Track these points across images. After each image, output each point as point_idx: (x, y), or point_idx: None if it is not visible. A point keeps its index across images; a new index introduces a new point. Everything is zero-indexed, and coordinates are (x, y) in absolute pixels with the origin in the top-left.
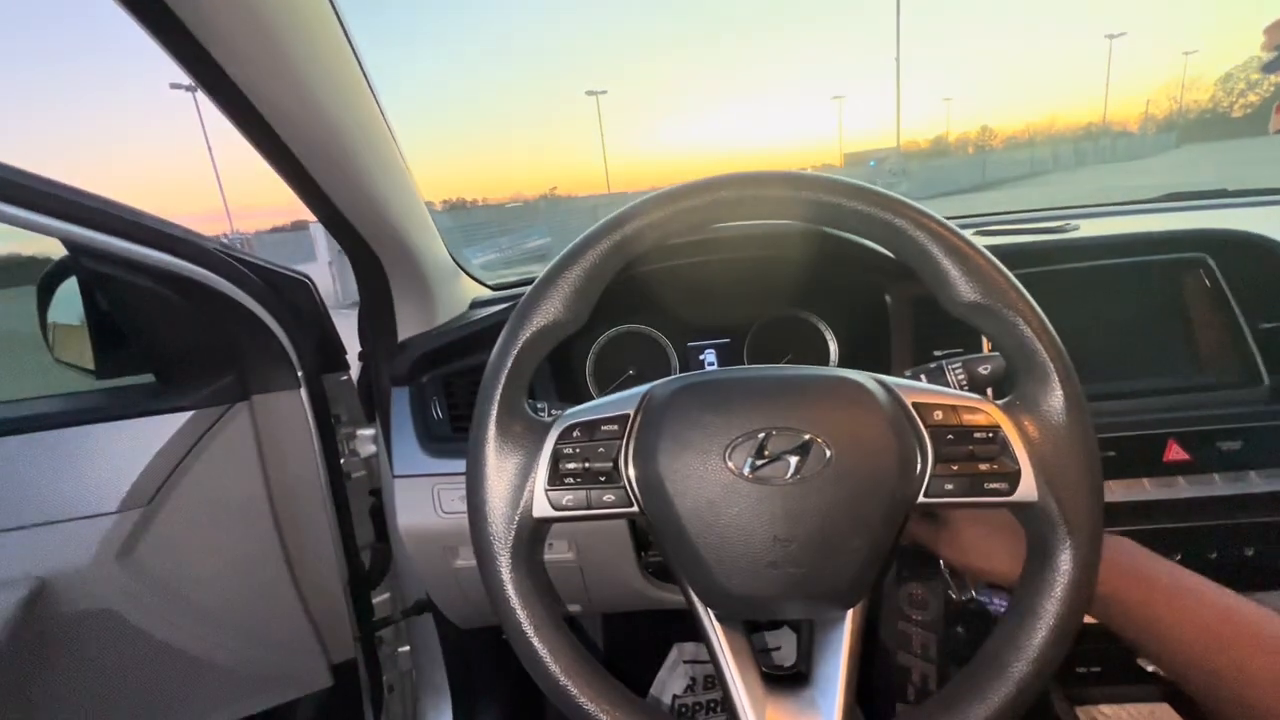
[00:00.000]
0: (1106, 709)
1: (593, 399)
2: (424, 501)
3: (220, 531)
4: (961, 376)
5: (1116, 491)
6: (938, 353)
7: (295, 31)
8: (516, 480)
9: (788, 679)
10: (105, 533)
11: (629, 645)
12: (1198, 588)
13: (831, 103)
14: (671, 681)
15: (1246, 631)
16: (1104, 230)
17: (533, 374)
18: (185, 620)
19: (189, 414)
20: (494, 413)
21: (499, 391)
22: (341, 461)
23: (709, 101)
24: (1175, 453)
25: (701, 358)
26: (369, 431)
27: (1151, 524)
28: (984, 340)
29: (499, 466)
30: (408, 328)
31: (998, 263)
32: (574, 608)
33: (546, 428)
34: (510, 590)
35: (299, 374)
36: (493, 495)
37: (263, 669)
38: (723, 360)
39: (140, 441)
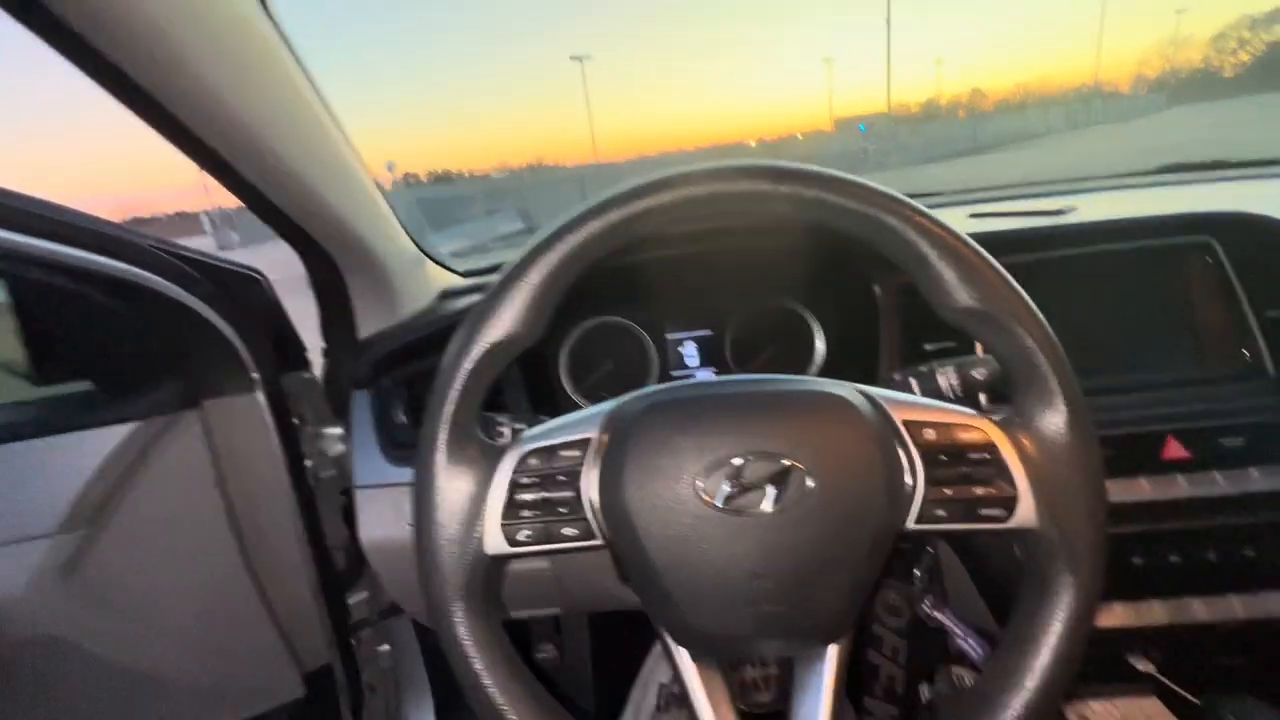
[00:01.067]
0: (1096, 705)
1: (568, 398)
2: (388, 513)
3: (175, 546)
4: (955, 381)
5: (1112, 491)
6: (929, 347)
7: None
8: (468, 514)
9: (766, 718)
10: (44, 555)
11: (615, 638)
12: None
13: (821, 64)
14: (659, 670)
15: None
16: (1103, 210)
17: (485, 392)
18: (142, 640)
19: (132, 425)
20: (442, 439)
21: (446, 416)
22: (309, 463)
23: (697, 65)
24: (1174, 450)
25: (681, 351)
26: (336, 430)
27: (1148, 525)
28: None
29: (448, 499)
30: (369, 324)
31: (997, 265)
32: (552, 610)
33: (500, 454)
34: (463, 637)
35: (254, 376)
36: (441, 531)
37: (228, 684)
38: (704, 354)
39: (80, 457)
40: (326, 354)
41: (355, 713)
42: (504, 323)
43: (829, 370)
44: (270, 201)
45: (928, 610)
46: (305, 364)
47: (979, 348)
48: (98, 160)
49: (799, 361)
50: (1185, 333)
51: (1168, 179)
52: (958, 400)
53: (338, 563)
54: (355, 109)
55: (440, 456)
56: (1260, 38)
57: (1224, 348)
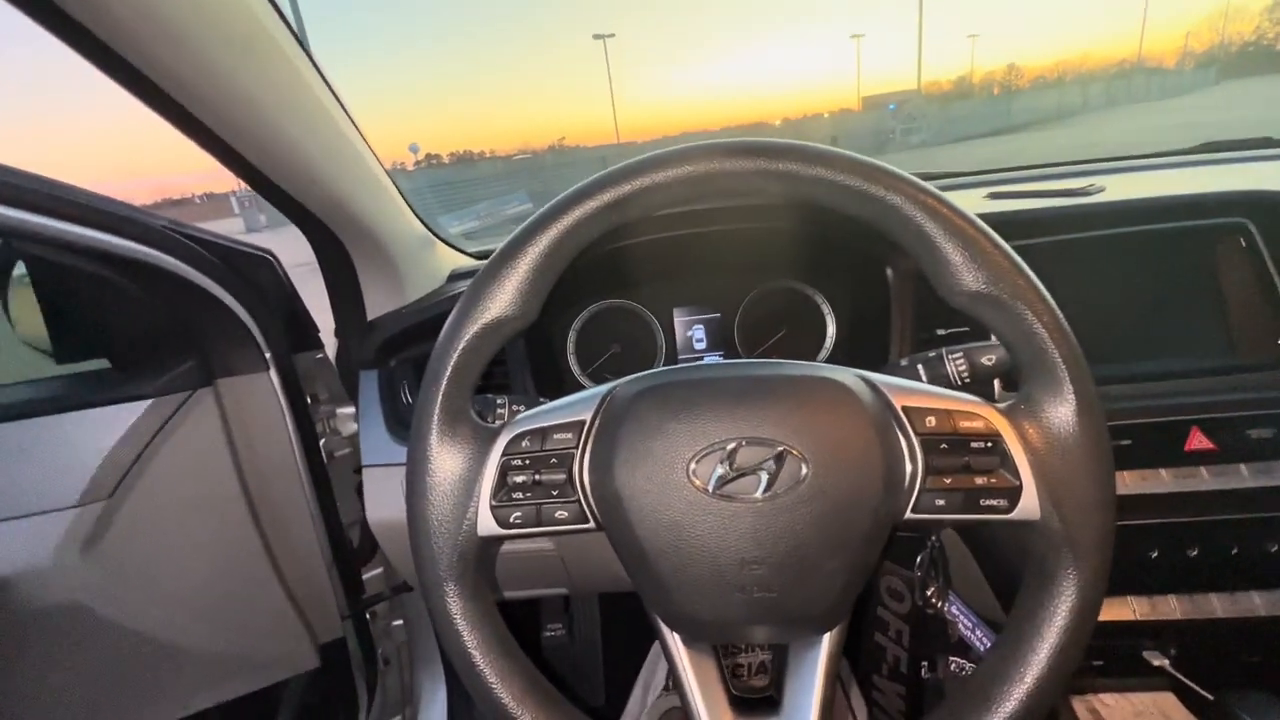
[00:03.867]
0: (1109, 699)
1: (575, 381)
2: (395, 492)
3: (192, 519)
4: (963, 367)
5: (1130, 483)
6: (941, 331)
7: None
8: (460, 495)
9: (758, 704)
10: (66, 527)
11: (624, 618)
12: None
13: (850, 42)
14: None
15: None
16: (1133, 190)
17: (479, 373)
18: (160, 609)
19: (148, 402)
20: (434, 420)
21: (439, 396)
22: (322, 441)
23: (722, 42)
24: (1198, 441)
25: (689, 334)
26: (349, 410)
27: (1166, 518)
28: None
29: (440, 479)
30: (377, 305)
31: (1005, 246)
32: (560, 590)
33: (493, 435)
34: (455, 615)
35: (266, 355)
36: (433, 512)
37: (245, 653)
38: (713, 337)
39: (97, 433)
40: (337, 335)
41: (369, 684)
42: (496, 304)
43: (840, 355)
44: (275, 184)
45: (928, 600)
46: (318, 344)
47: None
48: (130, 143)
49: (810, 346)
50: (1214, 319)
51: (1206, 157)
52: (965, 387)
53: (352, 539)
54: (379, 91)
55: (433, 437)
56: None
57: (1255, 336)
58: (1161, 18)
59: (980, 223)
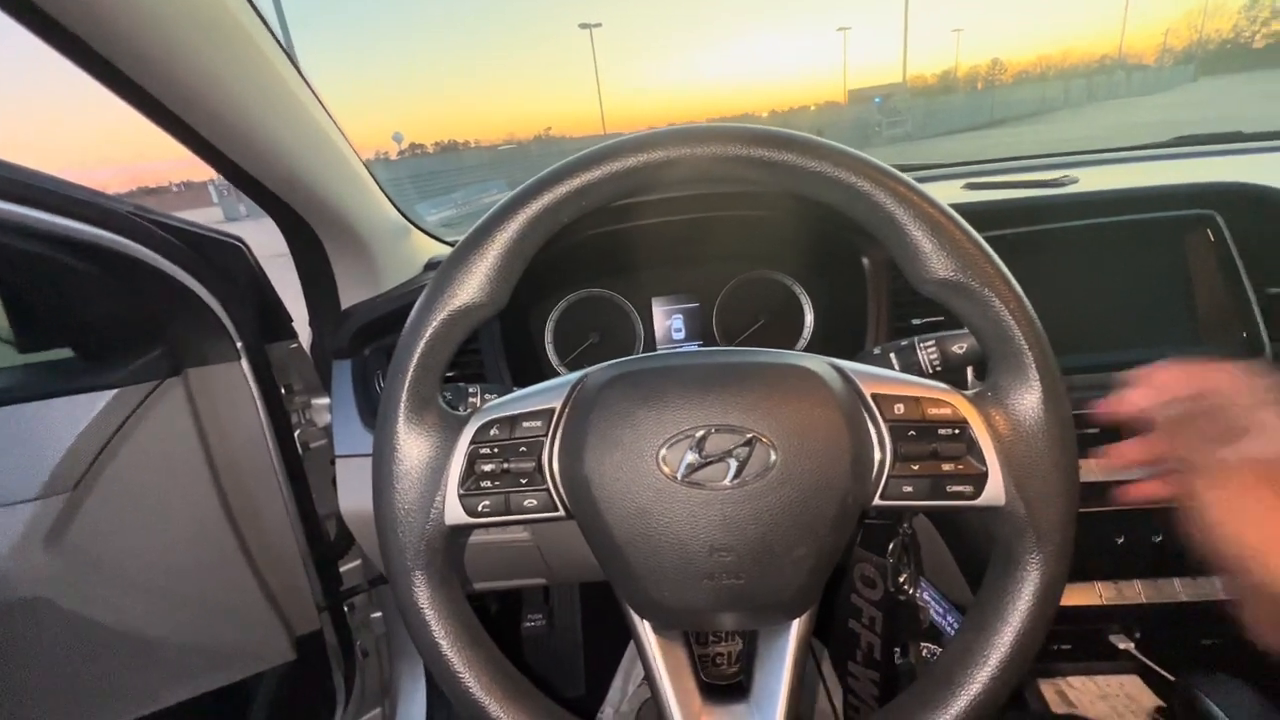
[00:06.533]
0: (1075, 681)
1: (554, 371)
2: (369, 483)
3: (160, 511)
4: (934, 356)
5: (1095, 471)
6: (917, 321)
7: None
8: (427, 484)
9: (728, 690)
10: (28, 520)
11: (605, 607)
12: None
13: (836, 34)
14: None
15: None
16: (1106, 181)
17: (448, 360)
18: (127, 603)
19: (113, 392)
20: (401, 408)
21: (405, 383)
22: (297, 432)
23: (709, 34)
24: None
25: (669, 324)
26: (325, 400)
27: (1132, 505)
28: None
29: (407, 468)
30: (351, 294)
31: (973, 233)
32: (538, 580)
33: (461, 423)
34: (423, 605)
35: (238, 345)
36: (400, 501)
37: (217, 647)
38: (691, 327)
39: (62, 423)
40: (312, 324)
41: (346, 677)
42: (464, 290)
43: (818, 345)
44: (243, 170)
45: (899, 587)
46: (291, 333)
47: None
48: (103, 128)
49: (788, 335)
50: (1183, 310)
51: (1179, 151)
52: (936, 375)
53: (329, 530)
54: (363, 80)
55: (399, 425)
56: None
57: (1221, 326)
58: (1142, 14)
59: (949, 209)
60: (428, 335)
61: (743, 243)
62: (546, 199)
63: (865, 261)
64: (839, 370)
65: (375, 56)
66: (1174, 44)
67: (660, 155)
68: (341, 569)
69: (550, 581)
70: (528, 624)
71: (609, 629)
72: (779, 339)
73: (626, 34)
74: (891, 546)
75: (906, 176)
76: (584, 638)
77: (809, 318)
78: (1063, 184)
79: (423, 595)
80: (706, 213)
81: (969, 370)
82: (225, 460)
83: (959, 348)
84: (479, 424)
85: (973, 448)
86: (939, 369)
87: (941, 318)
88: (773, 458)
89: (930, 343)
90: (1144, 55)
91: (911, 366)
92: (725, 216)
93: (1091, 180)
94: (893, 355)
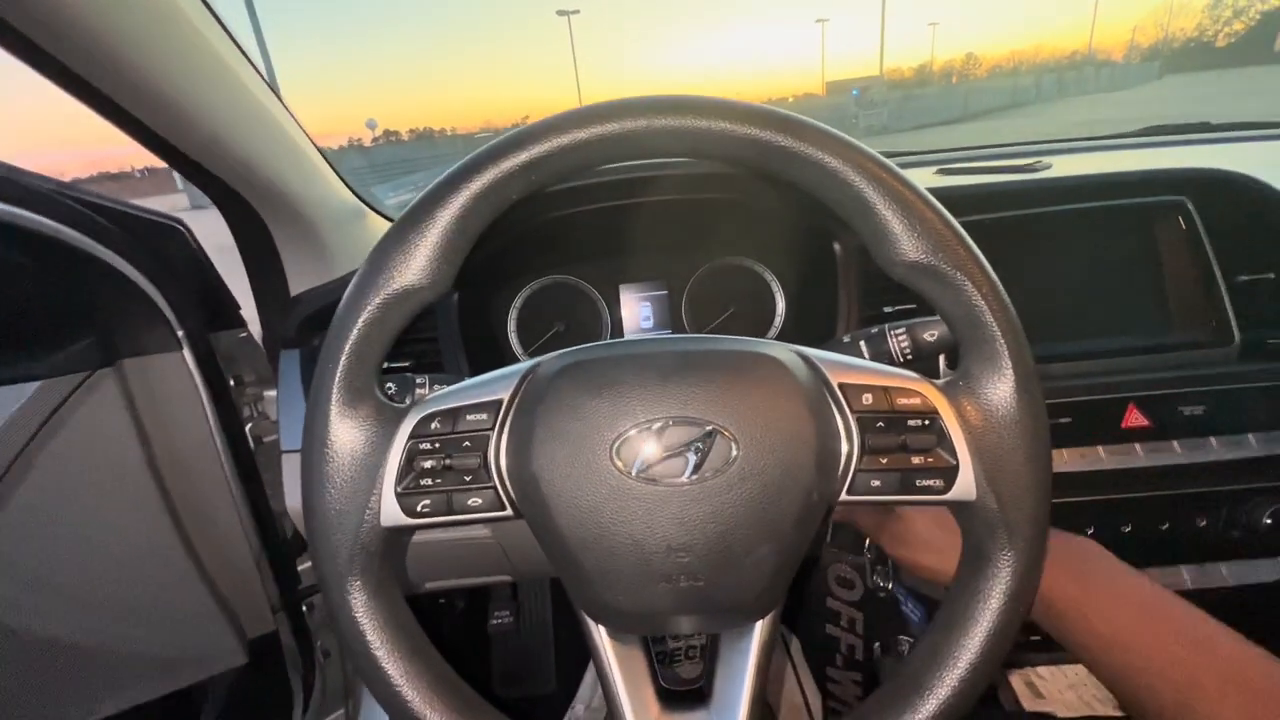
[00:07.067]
0: (1044, 670)
1: (517, 358)
2: None
3: (95, 512)
4: (905, 343)
5: (1069, 461)
6: (888, 309)
7: None
8: (361, 482)
9: (687, 696)
10: None
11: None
12: (1171, 610)
13: (815, 26)
14: None
15: (1226, 669)
16: (1078, 169)
17: (385, 348)
18: (59, 610)
19: (36, 384)
20: (332, 400)
21: (337, 373)
22: (249, 426)
23: (687, 23)
24: (1135, 418)
25: (636, 312)
26: (274, 393)
27: (1102, 494)
28: None
29: (338, 466)
30: (301, 280)
31: (946, 214)
32: (503, 578)
33: (399, 416)
34: (357, 614)
35: (179, 333)
36: (331, 502)
37: (160, 653)
38: (660, 314)
39: None
40: (260, 312)
41: (305, 679)
42: (403, 272)
43: (789, 333)
44: (173, 146)
45: (878, 583)
46: (239, 321)
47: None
48: (61, 110)
49: (759, 323)
50: (1153, 298)
51: (1148, 140)
52: (908, 364)
53: (285, 528)
54: (337, 67)
55: (331, 418)
56: (1255, 6)
57: (1191, 314)
58: (1111, 11)
59: (922, 189)
60: (361, 321)
61: (712, 228)
62: (493, 173)
63: (836, 247)
64: (805, 359)
65: (348, 41)
66: (1141, 41)
67: (616, 128)
68: (300, 568)
69: (515, 578)
70: (495, 621)
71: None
72: (749, 327)
73: (604, 21)
74: (868, 543)
75: (876, 153)
76: (554, 632)
77: (780, 305)
78: (1037, 169)
79: (357, 603)
80: (676, 195)
81: (941, 359)
82: (168, 457)
83: (930, 335)
84: (419, 416)
85: (943, 440)
86: (910, 357)
87: (915, 305)
88: (734, 451)
89: (901, 330)
90: (1113, 52)
91: (882, 355)
92: (695, 200)
93: (1065, 167)
94: (862, 343)
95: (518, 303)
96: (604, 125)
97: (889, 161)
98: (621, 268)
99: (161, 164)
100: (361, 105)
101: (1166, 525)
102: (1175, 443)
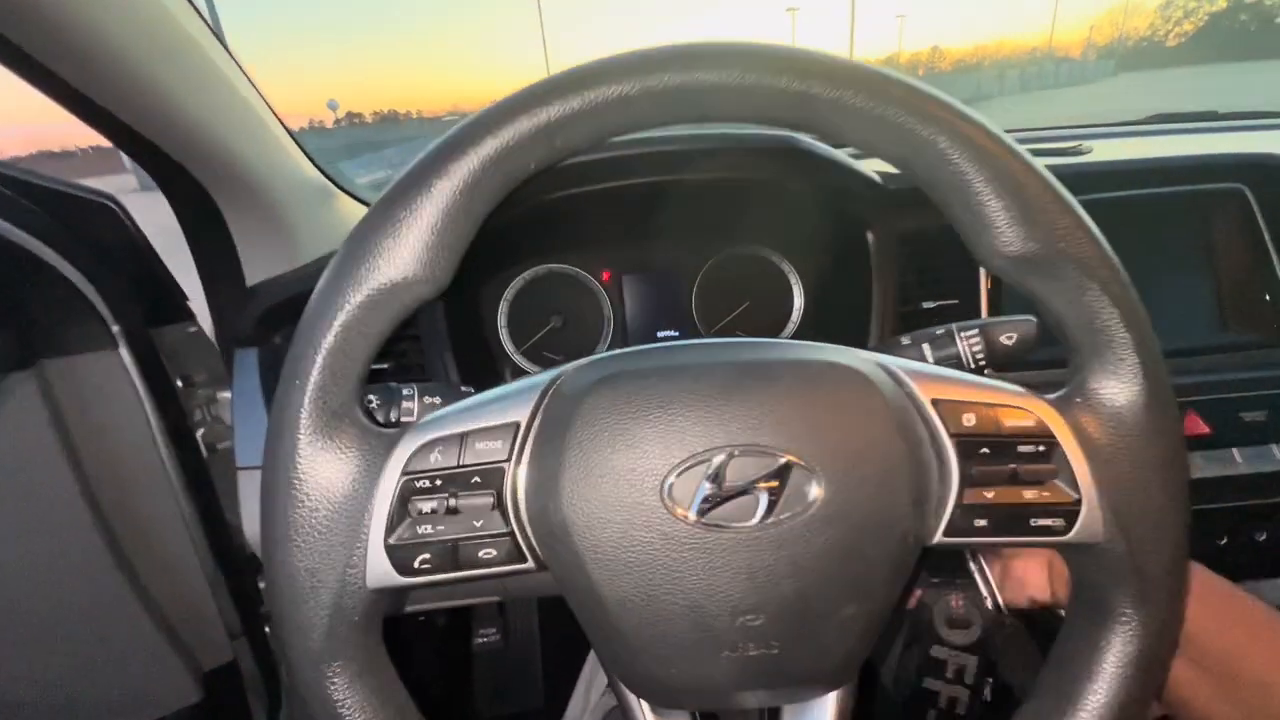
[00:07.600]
0: None
1: (509, 361)
2: None
3: (14, 537)
4: (978, 347)
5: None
6: (927, 305)
7: None
8: (339, 533)
9: None
10: None
11: (564, 619)
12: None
13: (785, 15)
14: None
15: None
16: (1117, 152)
17: (369, 358)
18: None
19: None
20: (301, 425)
21: (308, 388)
22: (200, 432)
23: (658, 6)
24: (1194, 425)
25: (641, 306)
26: (230, 395)
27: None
28: (982, 295)
29: (310, 510)
30: (259, 268)
31: (1069, 198)
32: (491, 598)
33: (390, 444)
34: (339, 705)
35: (114, 329)
36: (301, 558)
37: (102, 694)
38: (666, 309)
39: None
40: (210, 304)
41: (270, 710)
42: (391, 262)
43: (807, 332)
44: (106, 111)
45: (1003, 611)
46: (187, 315)
47: (983, 303)
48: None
49: (773, 320)
50: (1209, 293)
51: (1160, 128)
52: (978, 372)
53: (243, 544)
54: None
55: (300, 450)
56: (1204, 8)
57: (1250, 311)
58: (1070, 9)
59: (1042, 168)
60: (339, 323)
61: (725, 214)
62: (509, 134)
63: (869, 237)
64: (889, 372)
65: (306, 14)
66: (1098, 39)
67: (669, 80)
68: (263, 584)
69: (504, 598)
70: (480, 639)
71: (569, 637)
72: (763, 325)
73: (574, 2)
74: (973, 566)
75: (983, 118)
76: (542, 645)
77: (797, 301)
78: (1080, 152)
79: (338, 690)
80: (682, 175)
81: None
82: (103, 470)
83: (1008, 337)
84: (416, 444)
85: (1062, 469)
86: (982, 364)
87: (955, 301)
88: (815, 488)
89: (973, 331)
90: (1071, 49)
91: (948, 360)
92: (704, 180)
93: (1103, 152)
94: (925, 346)
95: (508, 295)
96: (634, 81)
97: (998, 130)
98: (624, 256)
99: (107, 142)
100: (322, 85)
101: (1225, 540)
102: (1235, 451)
